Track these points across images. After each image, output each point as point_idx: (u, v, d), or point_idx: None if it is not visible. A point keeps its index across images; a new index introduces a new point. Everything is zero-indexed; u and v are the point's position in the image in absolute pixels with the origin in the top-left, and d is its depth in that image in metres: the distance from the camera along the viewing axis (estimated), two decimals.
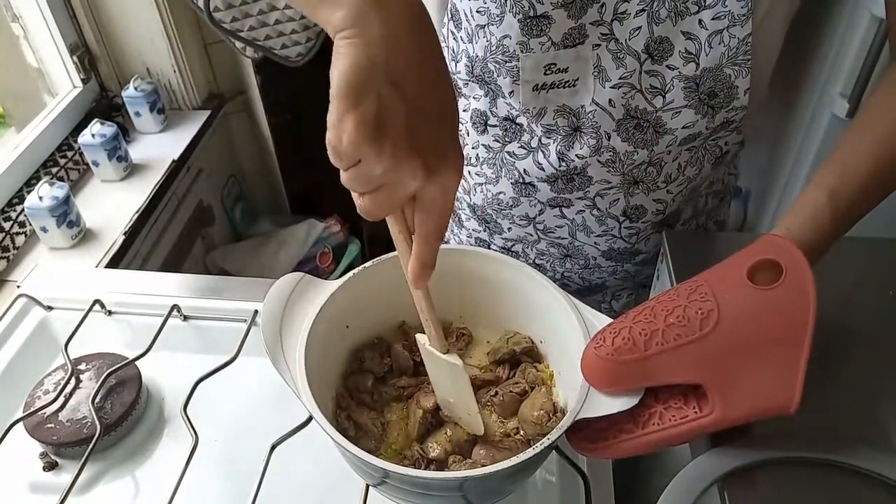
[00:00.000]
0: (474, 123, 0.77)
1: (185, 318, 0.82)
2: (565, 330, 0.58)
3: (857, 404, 0.59)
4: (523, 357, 0.64)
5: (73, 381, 0.72)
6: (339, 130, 0.38)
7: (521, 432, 0.59)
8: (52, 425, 0.68)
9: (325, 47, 1.55)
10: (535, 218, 0.81)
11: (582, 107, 0.68)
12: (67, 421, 0.69)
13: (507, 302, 0.64)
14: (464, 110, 0.78)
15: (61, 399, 0.70)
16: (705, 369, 0.50)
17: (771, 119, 1.70)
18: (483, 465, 0.53)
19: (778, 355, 0.50)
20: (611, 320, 0.54)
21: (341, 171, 0.41)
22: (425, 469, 0.56)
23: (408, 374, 0.64)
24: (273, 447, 0.64)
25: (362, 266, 0.62)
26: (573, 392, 0.53)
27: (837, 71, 1.19)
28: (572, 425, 0.50)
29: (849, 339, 0.64)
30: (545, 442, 0.49)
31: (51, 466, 0.68)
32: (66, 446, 0.68)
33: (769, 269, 0.52)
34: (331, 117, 0.39)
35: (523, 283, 0.61)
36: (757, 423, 0.55)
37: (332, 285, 0.60)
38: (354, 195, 0.43)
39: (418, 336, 0.56)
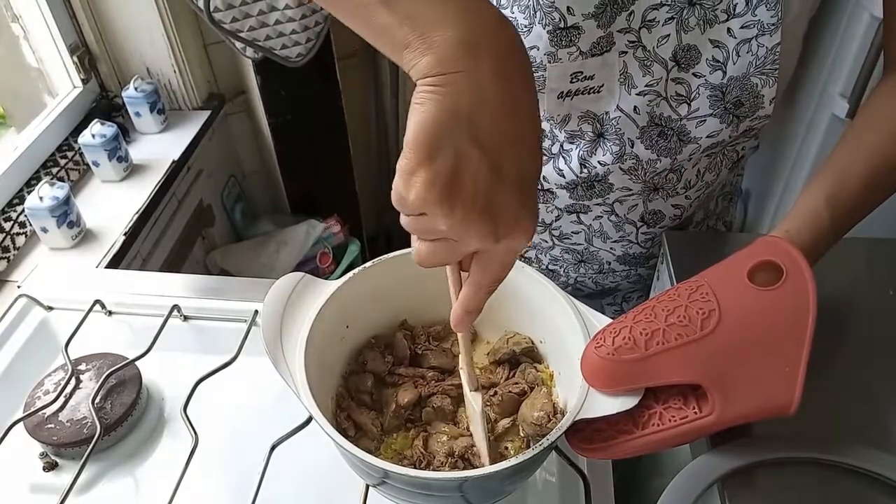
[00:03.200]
0: None
1: (186, 318, 0.82)
2: (565, 330, 0.58)
3: (856, 404, 0.59)
4: (523, 357, 0.64)
5: (73, 381, 0.72)
6: (409, 183, 0.36)
7: (521, 433, 0.59)
8: (52, 425, 0.68)
9: (324, 47, 1.55)
10: (550, 224, 0.80)
11: (606, 113, 0.68)
12: (67, 421, 0.69)
13: (507, 302, 0.63)
14: None
15: (61, 399, 0.70)
16: (706, 369, 0.50)
17: (771, 119, 1.70)
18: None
19: (778, 356, 0.50)
20: (611, 320, 0.54)
21: (402, 217, 0.39)
22: (425, 469, 0.56)
23: (405, 364, 0.64)
24: (273, 447, 0.64)
25: (362, 266, 0.62)
26: (573, 393, 0.53)
27: (837, 71, 1.19)
28: (572, 426, 0.50)
29: (849, 339, 0.64)
30: (544, 443, 0.49)
31: (51, 467, 0.68)
32: (66, 446, 0.67)
33: (769, 271, 0.52)
34: (400, 164, 0.36)
35: (523, 283, 0.61)
36: (757, 423, 0.55)
37: (332, 285, 0.60)
38: (413, 238, 0.41)
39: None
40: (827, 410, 0.57)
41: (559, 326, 0.59)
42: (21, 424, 0.68)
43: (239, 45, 1.44)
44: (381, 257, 0.62)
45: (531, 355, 0.64)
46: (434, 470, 0.56)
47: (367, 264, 0.62)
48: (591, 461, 0.63)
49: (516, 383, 0.61)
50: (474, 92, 0.35)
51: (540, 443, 0.49)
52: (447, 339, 0.67)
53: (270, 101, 1.63)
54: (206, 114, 1.59)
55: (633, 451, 0.51)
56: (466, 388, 0.55)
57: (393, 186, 0.37)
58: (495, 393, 0.61)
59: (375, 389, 0.62)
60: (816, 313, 0.51)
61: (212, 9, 1.34)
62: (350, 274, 0.61)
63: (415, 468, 0.55)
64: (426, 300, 0.66)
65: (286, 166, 1.77)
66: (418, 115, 0.35)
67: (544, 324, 0.62)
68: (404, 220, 0.39)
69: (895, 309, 0.67)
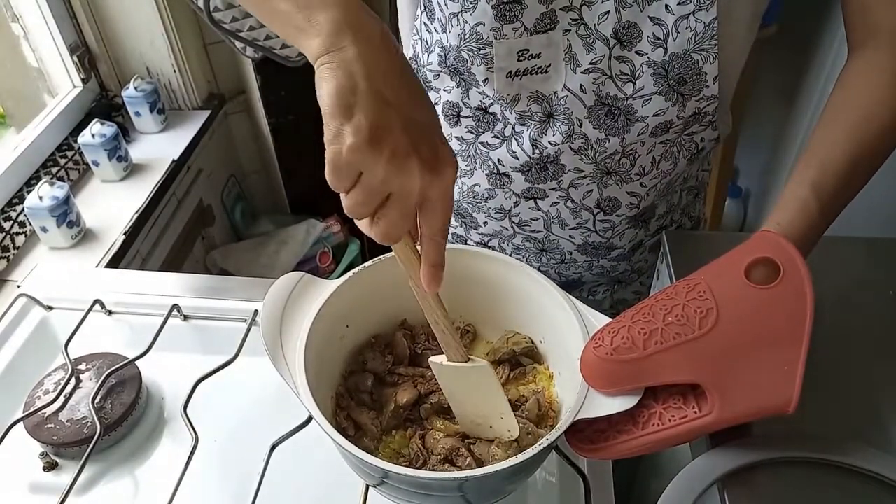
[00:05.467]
0: (446, 116, 0.77)
1: (186, 318, 0.82)
2: (565, 330, 0.58)
3: (856, 404, 0.59)
4: (523, 357, 0.64)
5: (73, 381, 0.72)
6: (339, 143, 0.40)
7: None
8: (52, 425, 0.69)
9: None
10: (510, 210, 0.81)
11: (555, 93, 0.69)
12: (67, 421, 0.69)
13: (507, 302, 0.64)
14: (434, 104, 0.78)
15: (61, 399, 0.70)
16: (704, 368, 0.50)
17: (771, 119, 1.70)
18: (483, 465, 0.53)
19: (777, 355, 0.50)
20: (610, 320, 0.54)
21: (344, 200, 0.43)
22: (423, 467, 0.56)
23: (405, 364, 0.64)
24: (273, 447, 0.64)
25: (362, 266, 0.62)
26: (573, 393, 0.53)
27: (837, 71, 1.20)
28: (572, 426, 0.50)
29: (848, 339, 0.64)
30: (544, 442, 0.49)
31: (51, 466, 0.68)
32: (66, 446, 0.68)
33: (765, 267, 0.52)
34: (327, 135, 0.40)
35: (523, 282, 0.61)
36: (757, 423, 0.55)
37: (332, 285, 0.60)
38: (365, 224, 0.44)
39: (432, 359, 0.55)
40: (827, 410, 0.57)
41: (559, 326, 0.59)
42: (21, 424, 0.68)
43: (239, 44, 1.44)
44: (380, 257, 0.62)
45: (531, 355, 0.64)
46: (431, 468, 0.56)
47: (367, 264, 0.62)
48: (591, 461, 0.63)
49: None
50: (363, 57, 0.41)
51: (539, 443, 0.49)
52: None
53: (270, 101, 1.63)
54: (205, 113, 1.59)
55: (633, 451, 0.52)
56: (459, 365, 0.53)
57: (326, 164, 0.40)
58: None
59: (375, 389, 0.62)
60: (814, 311, 0.51)
61: (212, 8, 1.34)
62: (350, 274, 0.61)
63: (412, 466, 0.56)
64: None
65: (286, 166, 1.77)
66: (323, 89, 0.41)
67: (544, 323, 0.62)
68: (348, 203, 0.43)
69: (895, 309, 0.67)
